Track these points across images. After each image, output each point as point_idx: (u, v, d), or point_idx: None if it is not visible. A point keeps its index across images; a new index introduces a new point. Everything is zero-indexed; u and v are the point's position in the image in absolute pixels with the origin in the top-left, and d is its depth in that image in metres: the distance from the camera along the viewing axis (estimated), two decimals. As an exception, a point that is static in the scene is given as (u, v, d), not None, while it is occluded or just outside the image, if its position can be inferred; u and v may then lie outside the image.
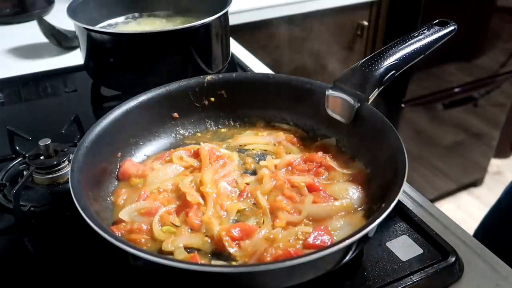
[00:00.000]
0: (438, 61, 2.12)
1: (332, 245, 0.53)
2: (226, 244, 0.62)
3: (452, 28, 0.77)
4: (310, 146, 0.82)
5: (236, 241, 0.63)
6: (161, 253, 0.63)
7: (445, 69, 2.18)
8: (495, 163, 2.85)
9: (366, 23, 1.97)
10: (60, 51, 1.30)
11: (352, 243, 0.55)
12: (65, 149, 0.82)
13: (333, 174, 0.74)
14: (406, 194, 0.81)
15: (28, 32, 1.39)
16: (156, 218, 0.66)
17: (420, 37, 0.75)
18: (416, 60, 0.75)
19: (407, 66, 0.74)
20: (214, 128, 0.88)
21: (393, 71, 0.72)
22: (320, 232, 0.63)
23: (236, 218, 0.68)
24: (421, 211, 0.77)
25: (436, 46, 0.76)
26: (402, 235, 0.70)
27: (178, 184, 0.72)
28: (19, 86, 1.14)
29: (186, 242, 0.64)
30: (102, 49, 0.97)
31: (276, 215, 0.67)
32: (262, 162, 0.78)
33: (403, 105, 2.14)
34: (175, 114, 0.85)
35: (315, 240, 0.62)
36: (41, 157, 0.80)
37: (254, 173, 0.77)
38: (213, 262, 0.62)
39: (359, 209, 0.68)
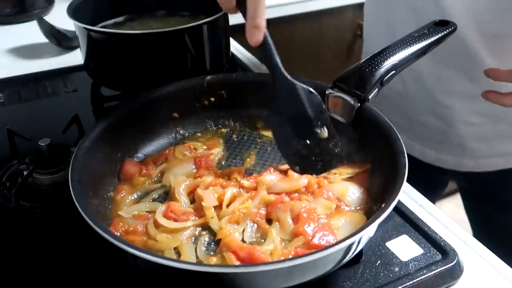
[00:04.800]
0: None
1: (332, 245, 0.53)
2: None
3: (452, 28, 0.77)
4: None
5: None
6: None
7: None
8: (495, 163, 2.84)
9: (366, 23, 1.97)
10: (60, 51, 1.30)
11: (352, 243, 0.55)
12: (65, 149, 0.82)
13: (333, 174, 0.74)
14: (406, 194, 0.81)
15: (28, 32, 1.39)
16: (151, 220, 0.67)
17: (420, 37, 0.75)
18: (416, 60, 0.75)
19: (407, 66, 0.74)
20: (214, 128, 0.88)
21: (393, 71, 0.72)
22: (325, 232, 0.62)
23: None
24: (421, 211, 0.77)
25: (436, 46, 0.76)
26: (402, 235, 0.70)
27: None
28: (19, 86, 1.14)
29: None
30: (102, 49, 0.97)
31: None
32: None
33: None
34: (175, 114, 0.85)
35: (320, 241, 0.61)
36: (41, 157, 0.80)
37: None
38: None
39: (359, 209, 0.68)
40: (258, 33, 0.64)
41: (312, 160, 0.69)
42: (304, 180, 0.71)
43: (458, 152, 1.03)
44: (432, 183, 1.17)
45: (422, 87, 0.99)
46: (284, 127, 0.69)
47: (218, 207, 0.68)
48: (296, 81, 0.68)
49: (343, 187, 0.71)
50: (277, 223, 0.65)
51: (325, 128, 0.68)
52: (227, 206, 0.68)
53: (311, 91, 0.68)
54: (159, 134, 0.84)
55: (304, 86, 0.68)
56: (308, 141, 0.69)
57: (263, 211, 0.67)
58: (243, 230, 0.65)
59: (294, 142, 0.69)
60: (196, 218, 0.67)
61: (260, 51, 0.67)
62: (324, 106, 0.68)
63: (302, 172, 0.70)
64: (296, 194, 0.70)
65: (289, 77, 0.68)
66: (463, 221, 1.21)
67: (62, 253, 0.69)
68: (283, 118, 0.69)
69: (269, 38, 0.66)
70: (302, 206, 0.65)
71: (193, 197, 0.70)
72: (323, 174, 0.74)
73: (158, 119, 0.83)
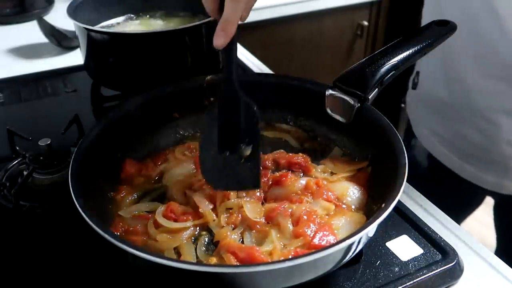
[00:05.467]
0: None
1: (332, 245, 0.53)
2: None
3: (452, 28, 0.77)
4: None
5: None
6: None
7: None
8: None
9: (366, 23, 1.97)
10: (60, 51, 1.30)
11: (352, 243, 0.55)
12: (65, 149, 0.82)
13: (333, 174, 0.74)
14: (406, 194, 0.81)
15: (28, 32, 1.39)
16: (151, 220, 0.67)
17: (420, 37, 0.75)
18: (417, 60, 0.75)
19: (408, 66, 0.74)
20: (214, 128, 0.88)
21: (393, 71, 0.72)
22: (325, 232, 0.62)
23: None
24: (421, 211, 0.77)
25: (436, 46, 0.76)
26: (402, 235, 0.70)
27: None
28: (19, 86, 1.14)
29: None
30: (102, 49, 0.97)
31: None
32: None
33: (403, 105, 2.14)
34: (175, 114, 0.85)
35: (321, 241, 0.61)
36: (41, 157, 0.80)
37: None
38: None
39: (359, 209, 0.68)
40: (224, 37, 0.62)
41: (222, 173, 0.69)
42: (302, 181, 0.71)
43: (500, 172, 0.97)
44: (467, 198, 1.12)
45: (468, 99, 0.94)
46: (213, 131, 0.68)
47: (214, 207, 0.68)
48: (243, 95, 0.67)
49: (343, 187, 0.71)
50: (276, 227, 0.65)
51: (250, 148, 0.67)
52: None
53: (253, 109, 0.67)
54: (159, 134, 0.84)
55: (250, 102, 0.67)
56: (228, 153, 0.68)
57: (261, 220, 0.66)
58: (242, 234, 0.65)
59: (215, 149, 0.68)
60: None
61: (221, 53, 0.65)
62: (259, 127, 0.68)
63: (206, 180, 0.69)
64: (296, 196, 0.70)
65: (238, 88, 0.67)
66: (463, 221, 1.21)
67: (62, 253, 0.69)
68: (216, 122, 0.68)
69: (235, 46, 0.65)
70: (302, 209, 0.65)
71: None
72: (324, 175, 0.74)
73: (158, 119, 0.83)
